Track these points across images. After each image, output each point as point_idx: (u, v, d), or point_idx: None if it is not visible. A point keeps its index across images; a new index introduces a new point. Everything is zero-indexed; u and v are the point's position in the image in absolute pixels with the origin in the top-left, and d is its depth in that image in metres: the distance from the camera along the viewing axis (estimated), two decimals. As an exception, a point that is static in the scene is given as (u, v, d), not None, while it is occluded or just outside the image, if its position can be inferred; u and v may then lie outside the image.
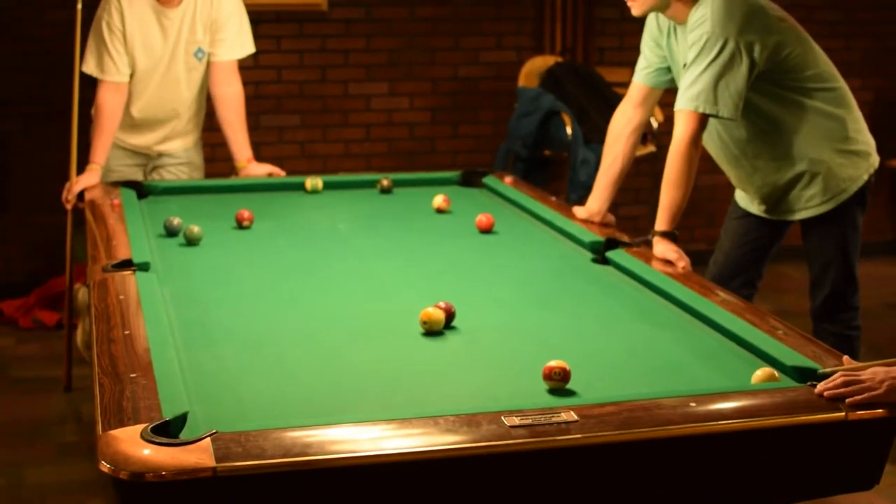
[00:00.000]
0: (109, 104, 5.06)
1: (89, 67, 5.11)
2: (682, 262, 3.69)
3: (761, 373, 2.71)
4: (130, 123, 5.18)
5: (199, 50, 5.11)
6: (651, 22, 4.21)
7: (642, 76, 4.29)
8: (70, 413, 5.07)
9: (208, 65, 5.20)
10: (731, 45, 3.83)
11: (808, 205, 4.16)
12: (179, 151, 5.30)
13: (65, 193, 4.99)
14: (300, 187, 4.85)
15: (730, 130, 4.15)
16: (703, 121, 3.89)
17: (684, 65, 3.97)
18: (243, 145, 5.27)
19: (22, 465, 4.57)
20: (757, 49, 3.87)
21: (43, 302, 6.25)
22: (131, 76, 5.09)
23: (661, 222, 3.90)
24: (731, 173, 4.34)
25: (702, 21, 3.87)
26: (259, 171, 5.18)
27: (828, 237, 4.19)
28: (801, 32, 4.07)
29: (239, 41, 5.22)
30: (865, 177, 4.14)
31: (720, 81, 3.83)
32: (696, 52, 3.87)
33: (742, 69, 3.85)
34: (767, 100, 4.04)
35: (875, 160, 4.20)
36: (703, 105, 3.85)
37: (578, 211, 4.30)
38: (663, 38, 4.15)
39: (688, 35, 3.94)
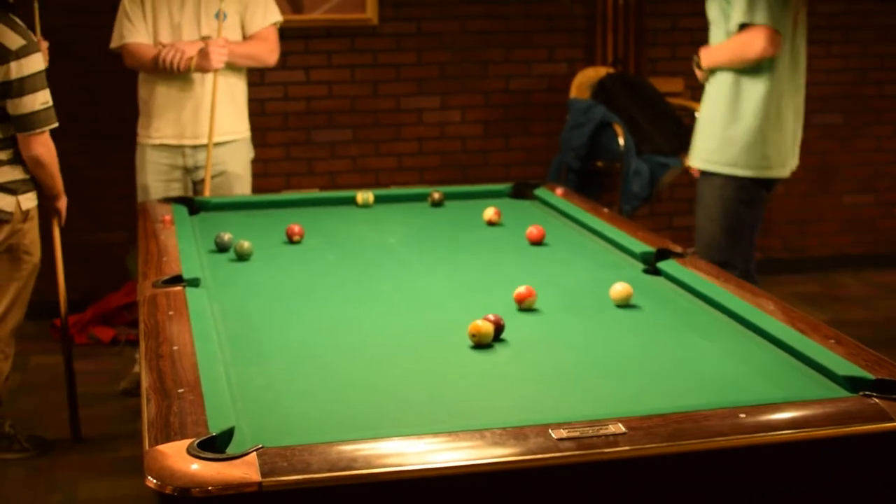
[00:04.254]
0: (147, 49, 5.36)
1: (114, 41, 5.40)
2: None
3: (621, 287, 3.34)
4: (159, 103, 5.39)
5: (222, 12, 5.33)
6: None
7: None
8: (124, 428, 5.09)
9: None
10: None
11: (698, 155, 5.03)
12: (218, 155, 5.37)
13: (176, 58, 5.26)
14: (351, 201, 4.85)
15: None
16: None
17: None
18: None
19: (77, 479, 4.61)
20: None
21: (99, 318, 6.30)
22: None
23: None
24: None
25: None
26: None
27: (701, 198, 5.03)
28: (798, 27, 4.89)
29: (262, 9, 5.48)
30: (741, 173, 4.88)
31: None
32: None
33: None
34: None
35: (774, 165, 4.92)
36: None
37: None
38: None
39: None
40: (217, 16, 5.28)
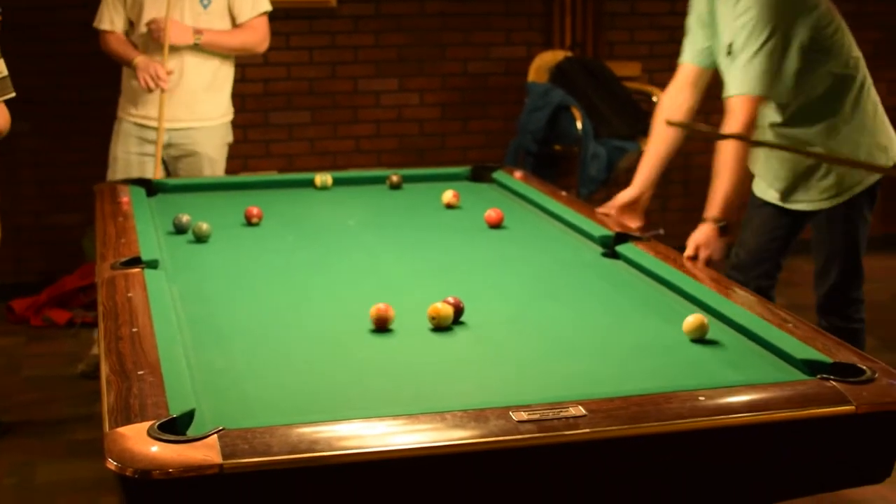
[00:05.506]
0: (114, 41, 5.36)
1: (95, 22, 5.40)
2: (702, 254, 3.75)
3: (693, 319, 2.92)
4: (137, 84, 5.33)
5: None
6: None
7: (691, 56, 4.30)
8: (81, 411, 5.07)
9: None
10: (779, 29, 3.90)
11: (822, 196, 4.16)
12: (191, 136, 5.35)
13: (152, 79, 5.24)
14: (310, 184, 4.84)
15: (778, 104, 4.20)
16: (759, 104, 3.96)
17: (729, 45, 4.01)
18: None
19: (33, 463, 4.58)
20: (802, 28, 3.98)
21: (54, 301, 6.26)
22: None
23: (710, 207, 3.97)
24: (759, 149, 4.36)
25: (747, 8, 3.92)
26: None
27: (836, 228, 4.19)
28: (836, 14, 4.16)
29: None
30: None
31: (770, 64, 3.91)
32: (744, 38, 3.92)
33: (792, 50, 3.97)
34: (817, 79, 4.11)
35: (894, 154, 4.20)
36: (760, 88, 3.92)
37: (620, 197, 4.30)
38: (708, 15, 4.19)
39: (735, 20, 3.98)
40: (202, 1, 5.29)
